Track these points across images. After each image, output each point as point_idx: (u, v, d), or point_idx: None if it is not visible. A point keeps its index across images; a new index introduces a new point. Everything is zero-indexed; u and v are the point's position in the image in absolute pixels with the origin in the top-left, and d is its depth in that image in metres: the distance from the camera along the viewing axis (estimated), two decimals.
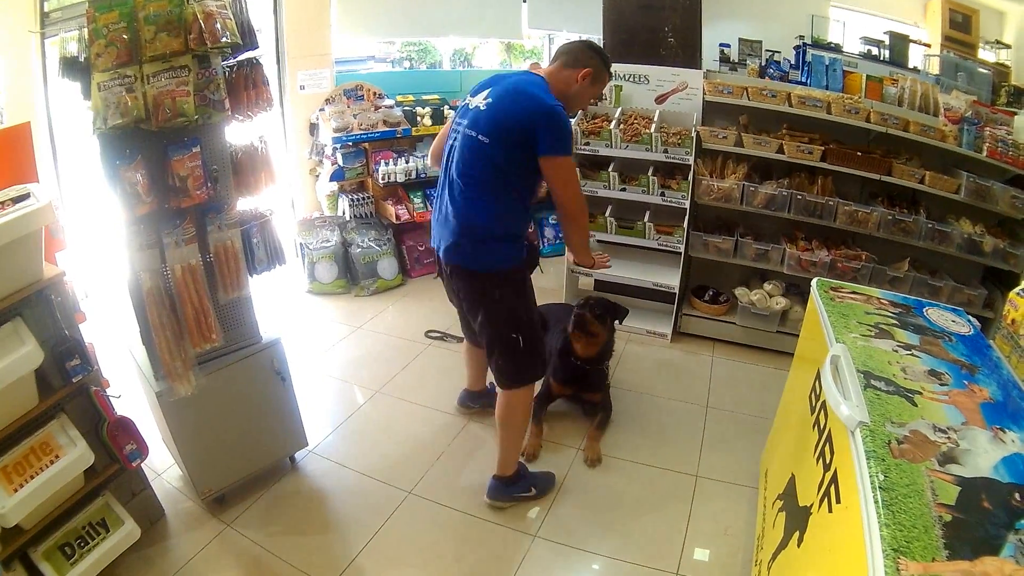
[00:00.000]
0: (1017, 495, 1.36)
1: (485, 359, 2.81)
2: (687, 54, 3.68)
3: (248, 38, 2.26)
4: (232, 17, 2.09)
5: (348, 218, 4.98)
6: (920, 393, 1.67)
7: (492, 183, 2.38)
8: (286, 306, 4.70)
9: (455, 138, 2.48)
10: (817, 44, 4.11)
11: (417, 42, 7.35)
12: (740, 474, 2.97)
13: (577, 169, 2.47)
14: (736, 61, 3.94)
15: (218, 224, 2.40)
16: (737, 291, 3.91)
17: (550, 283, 4.54)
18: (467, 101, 2.52)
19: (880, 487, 1.39)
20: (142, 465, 2.53)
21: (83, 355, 2.26)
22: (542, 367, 2.72)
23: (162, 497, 2.75)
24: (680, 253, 3.72)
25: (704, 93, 3.60)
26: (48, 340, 2.17)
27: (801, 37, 4.09)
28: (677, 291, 3.78)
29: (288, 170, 5.13)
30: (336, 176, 4.87)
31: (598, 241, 3.92)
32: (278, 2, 4.62)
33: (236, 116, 2.39)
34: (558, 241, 5.42)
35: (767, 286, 3.85)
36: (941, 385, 1.72)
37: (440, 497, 2.88)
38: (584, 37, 2.90)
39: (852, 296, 2.27)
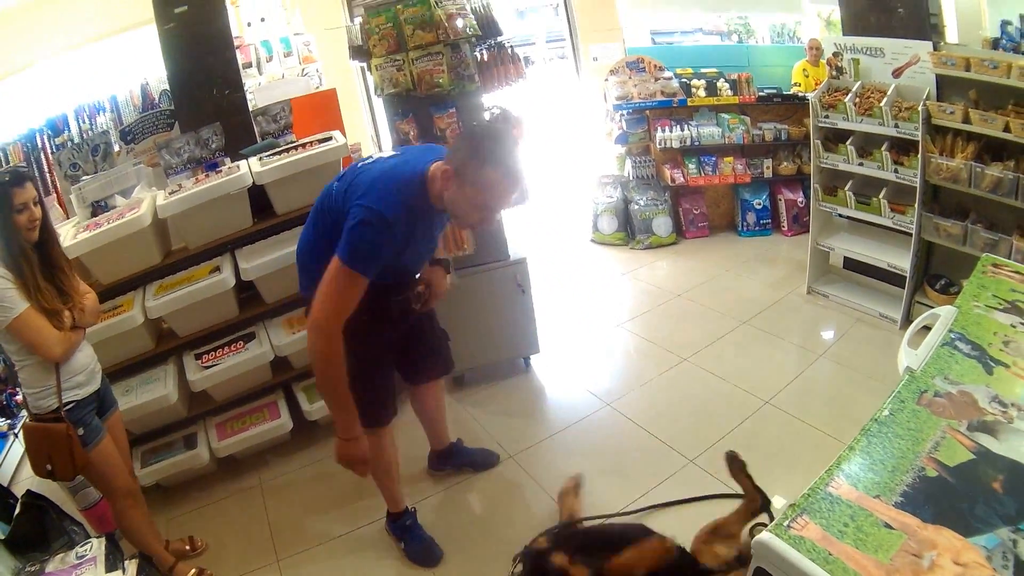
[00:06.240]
0: None
1: (428, 411, 2.89)
2: (915, 25, 3.44)
3: (490, 28, 2.97)
4: (472, 14, 2.81)
5: (631, 178, 5.51)
6: (1007, 366, 1.58)
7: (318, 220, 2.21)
8: (572, 248, 5.57)
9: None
10: None
11: (742, 16, 7.42)
12: None
13: (349, 299, 1.98)
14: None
15: None
16: (965, 282, 3.51)
17: (779, 271, 4.68)
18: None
19: (876, 419, 1.39)
20: None
21: None
22: (375, 415, 2.42)
23: None
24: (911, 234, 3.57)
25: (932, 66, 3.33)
26: None
27: None
28: (908, 275, 3.64)
29: (582, 132, 5.90)
30: (620, 139, 5.44)
31: (838, 215, 3.92)
32: None
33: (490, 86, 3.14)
34: (758, 227, 5.38)
35: None
36: None
37: (633, 413, 3.37)
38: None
39: (1012, 275, 2.18)
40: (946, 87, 3.33)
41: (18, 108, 4.78)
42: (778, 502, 2.62)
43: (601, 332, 4.27)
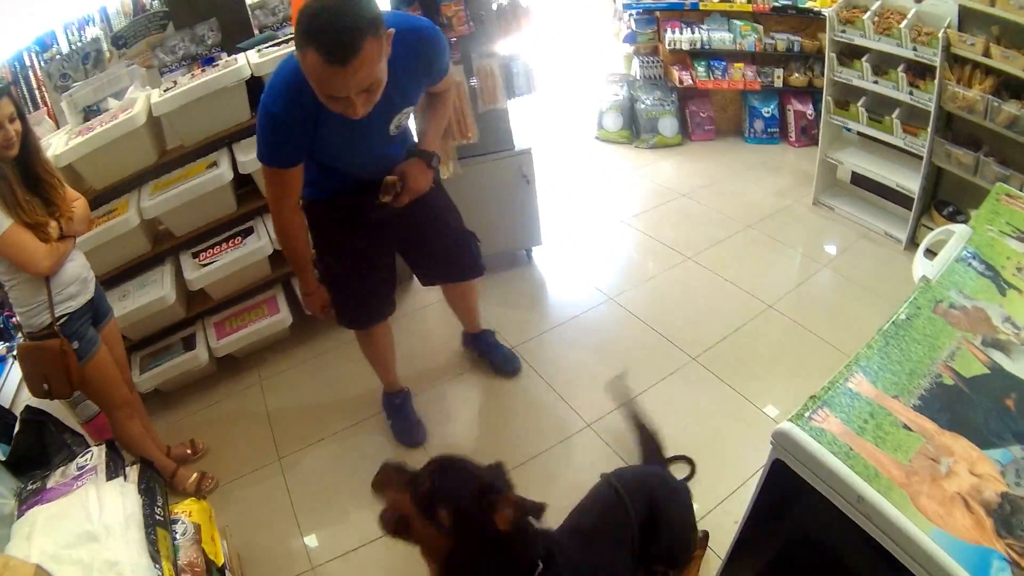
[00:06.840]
0: None
1: (454, 304, 2.96)
2: None
3: None
4: None
5: (638, 77, 5.35)
6: (1019, 291, 1.54)
7: None
8: (576, 145, 5.49)
9: None
10: None
11: None
12: None
13: (276, 186, 2.07)
14: None
15: (479, 52, 3.13)
16: (973, 212, 3.44)
17: (785, 180, 4.61)
18: None
19: (894, 322, 1.35)
20: None
21: None
22: (350, 318, 2.57)
23: None
24: (923, 157, 3.49)
25: None
26: None
27: None
28: (916, 197, 3.59)
29: (590, 31, 5.71)
30: (629, 39, 5.24)
31: (848, 130, 3.83)
32: None
33: None
34: (765, 135, 5.24)
35: None
36: None
37: (636, 308, 3.40)
38: None
39: None
40: (968, 19, 3.18)
41: (4, 33, 4.53)
42: (771, 411, 2.67)
43: (604, 227, 4.25)
